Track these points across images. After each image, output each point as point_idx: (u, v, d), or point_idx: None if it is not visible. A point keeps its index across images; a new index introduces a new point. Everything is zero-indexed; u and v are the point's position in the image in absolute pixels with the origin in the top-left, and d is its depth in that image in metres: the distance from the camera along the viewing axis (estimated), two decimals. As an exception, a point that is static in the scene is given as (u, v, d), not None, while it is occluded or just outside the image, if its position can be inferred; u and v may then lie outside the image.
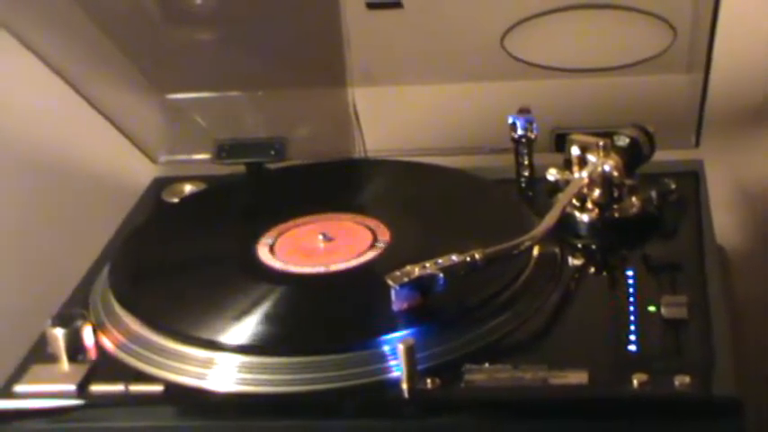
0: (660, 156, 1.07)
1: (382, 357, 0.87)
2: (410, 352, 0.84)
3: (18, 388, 0.89)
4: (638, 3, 1.09)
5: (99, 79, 1.19)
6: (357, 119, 1.22)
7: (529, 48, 1.14)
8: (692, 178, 1.12)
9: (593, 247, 1.02)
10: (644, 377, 0.83)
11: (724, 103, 1.17)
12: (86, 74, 1.17)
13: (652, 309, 0.91)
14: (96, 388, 0.88)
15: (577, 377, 0.84)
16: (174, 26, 1.19)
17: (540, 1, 1.10)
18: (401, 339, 0.84)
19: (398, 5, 1.11)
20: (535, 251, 0.97)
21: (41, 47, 1.13)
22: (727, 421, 0.80)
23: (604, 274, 0.98)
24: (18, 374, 0.91)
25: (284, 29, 1.17)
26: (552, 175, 1.07)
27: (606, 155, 1.03)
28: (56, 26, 1.13)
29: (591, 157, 1.03)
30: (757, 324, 1.21)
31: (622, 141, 1.04)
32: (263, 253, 1.01)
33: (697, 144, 1.14)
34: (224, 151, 1.22)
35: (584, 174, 1.03)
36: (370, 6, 1.11)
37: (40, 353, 0.93)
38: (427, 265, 0.89)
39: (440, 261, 0.90)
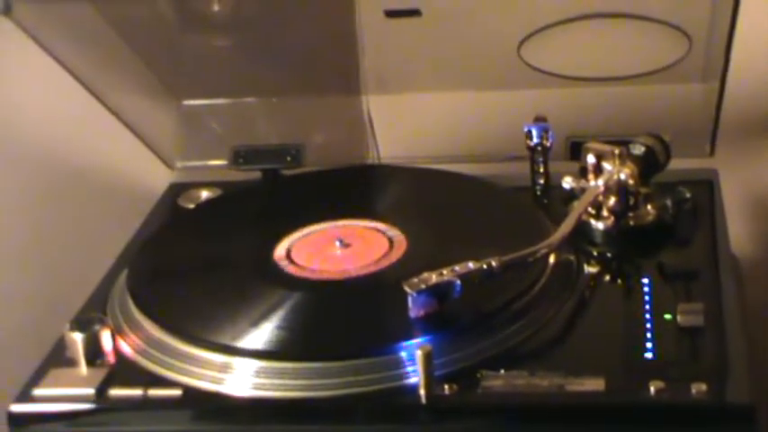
0: (674, 164, 1.07)
1: (399, 363, 0.87)
2: (428, 358, 0.84)
3: (37, 391, 0.90)
4: (654, 12, 1.10)
5: (116, 85, 1.20)
6: (371, 126, 1.23)
7: (545, 57, 1.14)
8: (707, 187, 1.12)
9: (609, 254, 1.02)
10: (660, 384, 0.83)
11: (738, 113, 1.18)
12: (104, 79, 1.18)
13: (668, 316, 0.91)
14: (115, 392, 0.89)
15: (594, 384, 0.84)
16: (191, 33, 1.20)
17: (556, 10, 1.11)
18: (419, 345, 0.85)
19: (417, 14, 1.11)
20: (551, 259, 0.98)
21: (61, 52, 1.13)
22: (743, 427, 0.81)
23: (620, 281, 0.99)
24: (36, 378, 0.91)
25: (300, 36, 1.18)
26: (568, 183, 1.07)
27: (622, 163, 1.03)
28: (76, 33, 1.14)
29: (606, 166, 1.04)
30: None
31: (638, 150, 1.05)
32: (279, 258, 1.02)
33: (712, 153, 1.14)
34: (240, 157, 1.22)
35: (600, 182, 1.03)
36: (389, 15, 1.12)
37: (58, 357, 0.93)
38: (444, 272, 0.90)
39: (456, 268, 0.90)
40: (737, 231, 1.08)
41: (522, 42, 1.14)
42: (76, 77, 1.16)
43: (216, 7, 1.18)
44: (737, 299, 0.95)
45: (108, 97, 1.19)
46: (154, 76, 1.22)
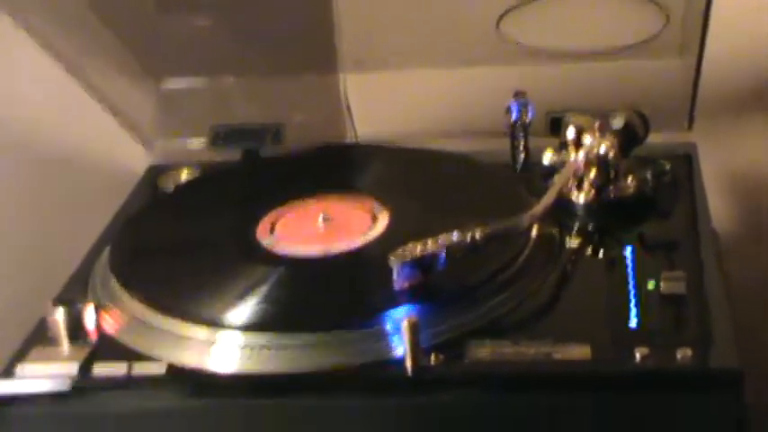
0: (653, 139, 1.08)
1: (384, 336, 0.87)
2: (414, 329, 0.84)
3: (20, 369, 0.89)
4: (632, -14, 1.10)
5: (94, 65, 1.19)
6: (348, 105, 1.23)
7: (524, 32, 1.14)
8: (686, 160, 1.13)
9: (591, 227, 1.03)
10: (646, 351, 0.83)
11: (716, 87, 1.18)
12: (82, 60, 1.17)
13: (651, 285, 0.91)
14: (98, 369, 0.88)
15: (580, 352, 0.85)
16: (169, 13, 1.19)
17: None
18: (406, 316, 0.84)
19: None
20: (534, 231, 0.98)
21: (37, 32, 1.12)
22: (729, 392, 0.81)
23: (602, 253, 0.99)
24: (19, 357, 0.91)
25: (277, 15, 1.18)
26: (548, 157, 1.07)
27: (602, 136, 1.04)
28: (53, 12, 1.13)
29: (587, 139, 1.04)
30: (749, 306, 1.21)
31: (617, 123, 1.05)
32: (262, 235, 1.01)
33: (690, 127, 1.14)
34: (219, 138, 1.22)
35: (581, 155, 1.04)
36: (369, -10, 1.12)
37: (40, 336, 0.92)
38: (429, 243, 0.90)
39: (441, 239, 0.90)
40: (715, 205, 1.08)
41: (501, 17, 1.14)
42: (55, 58, 1.15)
43: (194, -14, 1.18)
44: (719, 268, 0.95)
45: (86, 78, 1.18)
46: (132, 57, 1.21)
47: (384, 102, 1.24)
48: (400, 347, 0.86)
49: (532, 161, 1.13)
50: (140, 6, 1.17)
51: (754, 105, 1.24)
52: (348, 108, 1.23)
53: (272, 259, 0.97)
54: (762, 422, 0.95)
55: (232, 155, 1.22)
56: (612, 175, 1.04)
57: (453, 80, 1.20)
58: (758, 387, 0.91)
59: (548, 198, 0.99)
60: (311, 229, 1.02)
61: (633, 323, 0.88)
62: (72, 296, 0.95)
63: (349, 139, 1.23)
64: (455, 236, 0.91)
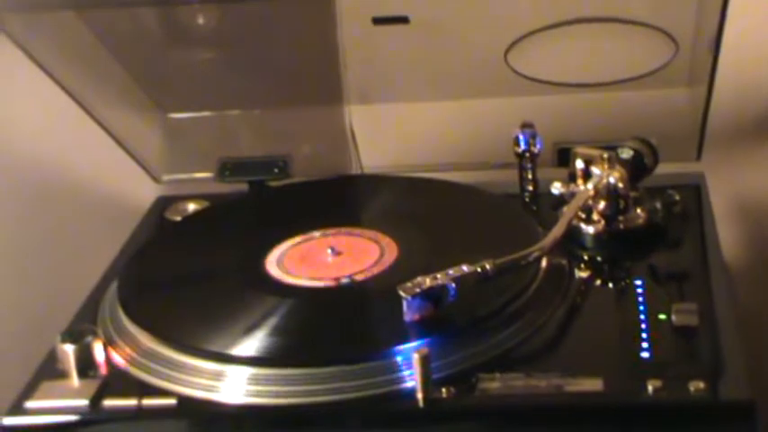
0: (662, 169, 1.07)
1: (395, 368, 0.87)
2: (425, 361, 0.84)
3: (29, 404, 0.89)
4: (640, 16, 1.10)
5: (103, 99, 1.19)
6: (354, 137, 1.23)
7: (532, 63, 1.15)
8: (694, 191, 1.12)
9: (600, 258, 1.02)
10: (658, 383, 0.83)
11: (725, 117, 1.18)
12: (91, 93, 1.18)
13: (662, 317, 0.91)
14: (109, 402, 0.88)
15: (592, 384, 0.84)
16: (177, 47, 1.20)
17: (542, 16, 1.11)
18: (416, 349, 0.84)
19: (404, 21, 1.11)
20: (543, 262, 0.98)
21: (49, 65, 1.13)
22: (742, 424, 0.81)
23: (612, 284, 0.99)
24: (28, 391, 0.90)
25: (283, 48, 1.18)
26: (557, 188, 1.07)
27: (611, 167, 1.03)
28: (64, 46, 1.14)
29: (595, 170, 1.04)
30: (759, 333, 1.21)
31: (626, 154, 1.05)
32: (271, 267, 1.01)
33: (698, 157, 1.14)
34: (227, 170, 1.22)
35: (590, 186, 1.04)
36: (377, 22, 1.12)
37: (49, 369, 0.92)
38: (438, 275, 0.90)
39: (450, 271, 0.90)
40: (724, 234, 1.08)
41: (508, 49, 1.14)
42: (64, 90, 1.15)
43: (200, 21, 1.18)
44: (730, 298, 0.95)
45: (95, 111, 1.19)
46: (140, 90, 1.22)
47: (390, 133, 1.24)
48: (411, 380, 0.85)
49: (541, 192, 1.13)
50: (149, 40, 1.18)
51: (763, 135, 1.24)
52: (354, 140, 1.23)
53: (281, 291, 0.97)
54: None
55: (239, 186, 1.22)
56: (622, 205, 1.04)
57: (460, 111, 1.20)
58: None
59: (557, 229, 0.98)
60: (320, 261, 1.01)
61: (645, 355, 0.87)
62: (81, 329, 0.94)
63: (354, 170, 1.23)
64: (465, 268, 0.90)
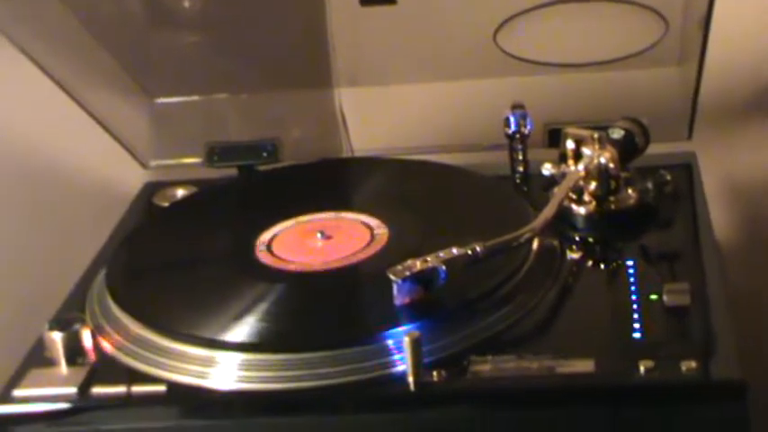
0: (653, 149, 1.07)
1: (385, 352, 0.86)
2: (416, 345, 0.83)
3: (17, 392, 0.88)
4: (629, -5, 1.10)
5: (89, 84, 1.18)
6: (344, 120, 1.22)
7: (521, 43, 1.14)
8: (686, 170, 1.12)
9: (592, 239, 1.02)
10: (650, 363, 0.82)
11: (716, 96, 1.18)
12: (77, 79, 1.17)
13: (654, 297, 0.91)
14: (97, 390, 0.88)
15: (583, 365, 0.84)
16: (163, 31, 1.19)
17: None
18: (407, 332, 0.84)
19: (392, 2, 1.10)
20: (535, 244, 0.97)
21: (34, 51, 1.12)
22: (733, 403, 0.81)
23: (604, 264, 0.98)
24: (16, 379, 0.89)
25: (271, 31, 1.18)
26: (547, 169, 1.07)
27: (601, 147, 1.03)
28: (48, 31, 1.13)
29: (586, 151, 1.03)
30: (750, 314, 1.21)
31: (617, 134, 1.04)
32: (261, 251, 1.01)
33: (690, 136, 1.14)
34: (215, 155, 1.21)
35: (580, 167, 1.03)
36: (364, 3, 1.11)
37: (37, 357, 0.92)
38: (428, 258, 0.89)
39: (441, 254, 0.90)
40: (715, 213, 1.08)
41: (497, 29, 1.13)
42: (50, 77, 1.15)
43: (187, 3, 1.17)
44: (721, 278, 0.95)
45: (81, 96, 1.18)
46: (126, 75, 1.21)
47: (380, 116, 1.23)
48: (402, 364, 0.85)
49: (531, 173, 1.12)
50: (134, 24, 1.17)
51: (754, 113, 1.23)
52: (344, 123, 1.22)
53: (271, 277, 0.96)
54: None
55: (228, 171, 1.21)
56: (613, 186, 1.03)
57: (450, 93, 1.19)
58: (763, 396, 0.91)
59: (548, 210, 0.98)
60: (310, 246, 1.01)
61: (637, 335, 0.87)
62: (69, 316, 0.94)
63: (345, 153, 1.23)
64: (455, 250, 0.90)
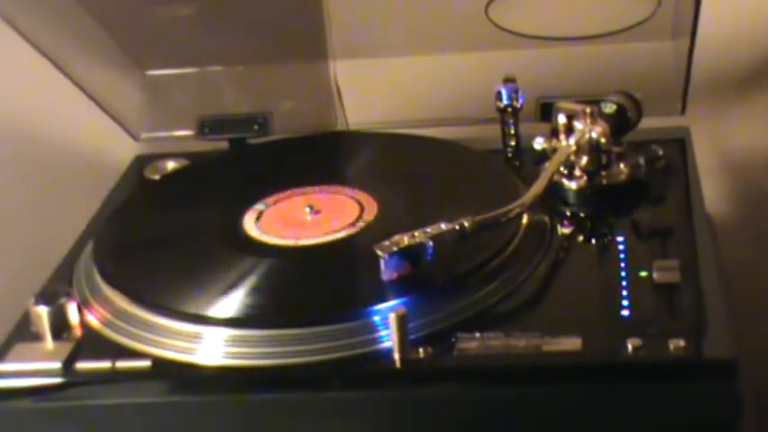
0: (645, 123, 1.06)
1: (372, 328, 0.86)
2: (402, 321, 0.83)
3: (2, 366, 0.88)
4: (623, -32, 1.09)
5: (79, 56, 1.17)
6: (339, 93, 1.21)
7: (513, 17, 1.13)
8: (679, 145, 1.11)
9: (583, 214, 1.01)
10: (638, 342, 0.82)
11: (709, 70, 1.17)
12: (67, 51, 1.16)
13: (644, 274, 0.90)
14: (82, 365, 0.87)
15: (571, 344, 0.83)
16: (154, 1, 1.17)
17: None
18: (393, 309, 0.83)
19: None
20: (524, 219, 0.96)
21: (19, 23, 1.11)
22: (723, 382, 0.80)
23: (594, 240, 0.98)
24: (1, 353, 0.89)
25: (265, 3, 1.16)
26: (539, 143, 1.06)
27: (593, 122, 1.02)
28: (37, 2, 1.12)
29: (578, 125, 1.02)
30: (744, 290, 1.20)
31: (609, 108, 1.04)
32: (249, 226, 1.00)
33: (683, 111, 1.13)
34: (207, 127, 1.20)
35: (572, 141, 1.02)
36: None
37: (23, 332, 0.91)
38: (416, 234, 0.89)
39: (428, 229, 0.89)
40: (708, 188, 1.07)
41: (489, 3, 1.12)
42: (39, 49, 1.13)
43: (179, -26, 1.16)
44: (713, 255, 0.94)
45: (71, 69, 1.16)
46: (117, 47, 1.20)
47: (374, 88, 1.23)
48: (388, 340, 0.84)
49: (523, 147, 1.11)
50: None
51: (747, 88, 1.22)
52: (338, 95, 1.21)
53: (258, 251, 0.96)
54: (760, 408, 0.94)
55: (220, 144, 1.21)
56: (604, 160, 1.02)
57: (443, 66, 1.18)
58: (755, 372, 0.90)
59: (539, 185, 0.97)
60: (298, 220, 1.00)
61: (625, 313, 0.86)
62: (55, 290, 0.93)
63: (339, 126, 1.22)
64: (443, 225, 0.89)
